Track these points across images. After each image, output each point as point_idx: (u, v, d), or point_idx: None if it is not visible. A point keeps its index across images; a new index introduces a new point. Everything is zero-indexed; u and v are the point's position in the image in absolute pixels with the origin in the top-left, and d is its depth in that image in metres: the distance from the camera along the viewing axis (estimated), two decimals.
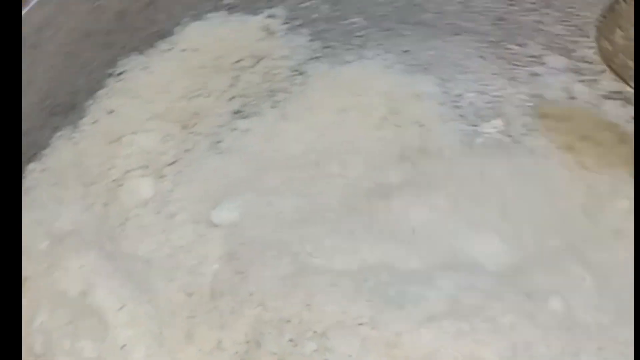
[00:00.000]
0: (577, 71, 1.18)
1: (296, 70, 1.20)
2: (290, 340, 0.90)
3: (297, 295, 0.93)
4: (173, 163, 1.12)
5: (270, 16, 1.18)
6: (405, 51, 1.23)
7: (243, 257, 0.98)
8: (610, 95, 1.16)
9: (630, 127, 1.15)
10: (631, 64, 1.03)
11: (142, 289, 0.94)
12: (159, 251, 1.04)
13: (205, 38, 1.14)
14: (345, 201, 1.06)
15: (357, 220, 1.05)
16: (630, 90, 1.13)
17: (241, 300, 0.94)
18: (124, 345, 0.91)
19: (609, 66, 1.08)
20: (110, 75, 1.09)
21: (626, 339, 0.89)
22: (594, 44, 1.15)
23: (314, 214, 1.04)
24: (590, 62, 1.17)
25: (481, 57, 1.22)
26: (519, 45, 1.20)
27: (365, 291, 0.93)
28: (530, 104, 1.20)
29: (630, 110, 1.14)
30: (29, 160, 1.01)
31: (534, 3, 1.16)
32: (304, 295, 0.93)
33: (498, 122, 1.20)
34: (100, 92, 1.09)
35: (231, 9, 1.17)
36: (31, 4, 0.96)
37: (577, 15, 1.15)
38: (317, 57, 1.21)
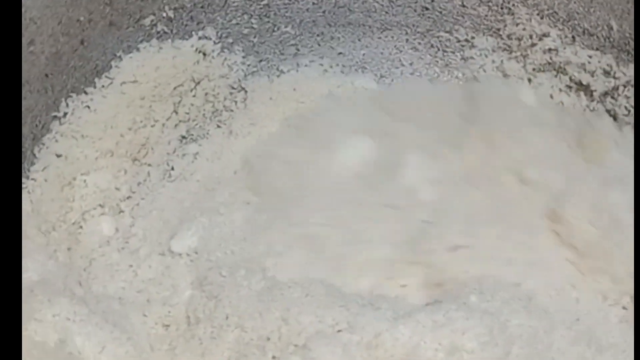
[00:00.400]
0: (506, 49, 1.21)
1: (236, 88, 1.21)
2: (274, 357, 0.91)
3: (272, 311, 0.94)
4: (129, 197, 1.12)
5: (202, 38, 1.19)
6: (340, 53, 1.25)
7: (214, 281, 0.99)
8: (542, 68, 1.19)
9: (565, 96, 1.18)
10: None
11: (119, 328, 0.94)
12: (129, 288, 1.04)
13: (141, 69, 1.15)
14: None
15: None
16: (561, 59, 1.17)
17: (219, 324, 0.95)
18: None
19: None
20: (54, 118, 1.10)
21: None
22: (520, 20, 1.18)
23: (270, 224, 1.05)
24: (519, 39, 1.20)
25: (413, 48, 1.25)
26: (448, 32, 1.23)
27: (338, 297, 0.95)
28: None
29: (565, 79, 1.17)
30: None
31: None
32: (280, 310, 0.94)
33: None
34: (47, 137, 1.09)
35: (162, 36, 1.17)
36: None
37: None
38: (254, 72, 1.22)
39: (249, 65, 1.22)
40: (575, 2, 1.14)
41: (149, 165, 1.15)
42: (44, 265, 0.98)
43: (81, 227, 1.09)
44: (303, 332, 0.92)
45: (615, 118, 1.15)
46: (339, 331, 0.91)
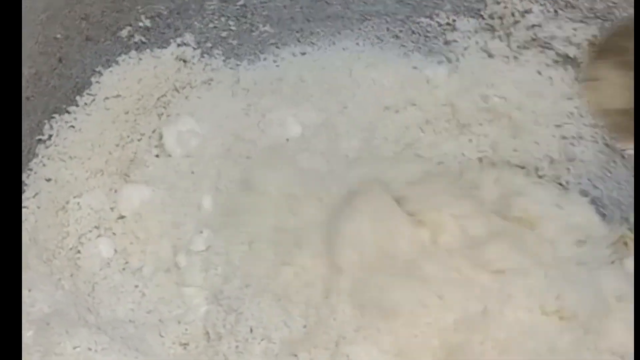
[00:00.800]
0: (489, 29, 1.20)
1: None
2: None
3: (297, 318, 0.92)
4: (124, 216, 1.08)
5: (180, 45, 1.17)
6: (320, 48, 1.22)
7: (231, 294, 0.96)
8: (527, 45, 1.19)
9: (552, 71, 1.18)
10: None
11: (141, 352, 0.91)
12: (138, 309, 1.01)
13: (123, 82, 1.11)
14: None
15: None
16: (545, 34, 1.16)
17: (243, 338, 0.93)
18: None
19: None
20: (39, 142, 1.06)
21: None
22: None
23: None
24: (501, 17, 1.19)
25: (395, 36, 1.23)
26: (428, 17, 1.21)
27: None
28: None
29: (551, 54, 1.17)
30: None
31: None
32: (303, 314, 0.92)
33: None
34: (34, 162, 1.05)
35: (140, 47, 1.14)
36: None
37: None
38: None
39: (231, 68, 1.19)
40: None
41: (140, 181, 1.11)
42: (52, 295, 0.95)
43: (79, 251, 1.05)
44: (333, 334, 0.90)
45: None
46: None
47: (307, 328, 0.92)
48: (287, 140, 1.11)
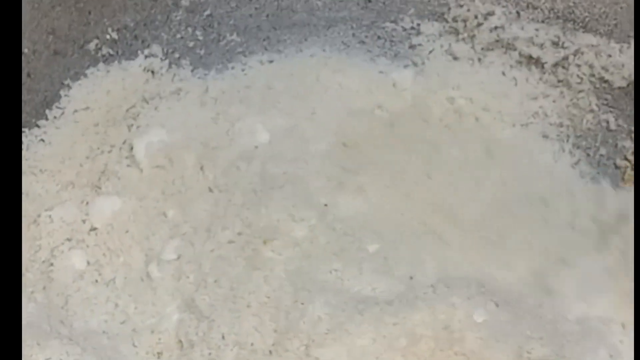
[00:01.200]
0: (453, 32, 1.22)
1: None
2: None
3: (269, 323, 0.93)
4: (95, 228, 1.09)
5: (148, 56, 1.17)
6: (287, 55, 1.23)
7: (202, 302, 0.97)
8: (490, 47, 1.20)
9: (516, 71, 1.19)
10: None
11: None
12: (112, 320, 1.01)
13: (92, 94, 1.12)
14: None
15: None
16: (508, 36, 1.18)
17: (215, 345, 0.93)
18: None
19: None
20: None
21: None
22: (463, 2, 1.19)
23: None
24: (465, 20, 1.20)
25: (360, 42, 1.24)
26: (393, 21, 1.23)
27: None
28: None
29: (515, 55, 1.18)
30: None
31: None
32: (275, 322, 0.93)
33: None
34: None
35: (108, 59, 1.15)
36: None
37: None
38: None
39: (198, 78, 1.20)
40: None
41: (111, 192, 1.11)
42: (24, 308, 0.95)
43: (52, 264, 1.05)
44: (303, 337, 0.91)
45: (569, 87, 1.16)
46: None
47: (277, 332, 0.93)
48: (256, 147, 1.12)
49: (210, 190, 1.08)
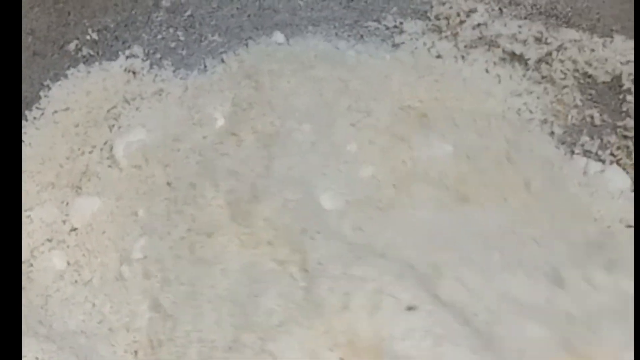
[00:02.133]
0: (436, 30, 1.21)
1: None
2: None
3: (225, 319, 0.93)
4: (76, 228, 1.09)
5: (129, 57, 1.18)
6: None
7: (166, 300, 0.97)
8: (473, 44, 1.20)
9: (500, 68, 1.19)
10: None
11: None
12: (89, 320, 1.00)
13: (72, 95, 1.13)
14: None
15: None
16: (491, 33, 1.18)
17: (181, 343, 0.93)
18: None
19: None
20: None
21: None
22: (445, 0, 1.19)
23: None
24: (447, 18, 1.20)
25: (344, 41, 1.24)
26: (376, 20, 1.23)
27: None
28: None
29: (498, 52, 1.18)
30: None
31: None
32: (233, 316, 0.93)
33: None
34: None
35: (89, 60, 1.16)
36: None
37: None
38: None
39: (181, 79, 1.20)
40: None
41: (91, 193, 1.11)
42: None
43: (32, 264, 1.05)
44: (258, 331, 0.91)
45: (553, 83, 1.16)
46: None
47: (234, 327, 0.92)
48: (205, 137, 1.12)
49: (168, 184, 1.08)
